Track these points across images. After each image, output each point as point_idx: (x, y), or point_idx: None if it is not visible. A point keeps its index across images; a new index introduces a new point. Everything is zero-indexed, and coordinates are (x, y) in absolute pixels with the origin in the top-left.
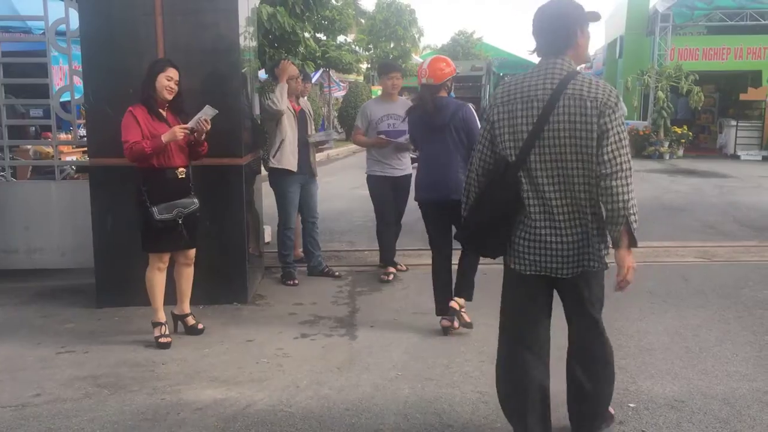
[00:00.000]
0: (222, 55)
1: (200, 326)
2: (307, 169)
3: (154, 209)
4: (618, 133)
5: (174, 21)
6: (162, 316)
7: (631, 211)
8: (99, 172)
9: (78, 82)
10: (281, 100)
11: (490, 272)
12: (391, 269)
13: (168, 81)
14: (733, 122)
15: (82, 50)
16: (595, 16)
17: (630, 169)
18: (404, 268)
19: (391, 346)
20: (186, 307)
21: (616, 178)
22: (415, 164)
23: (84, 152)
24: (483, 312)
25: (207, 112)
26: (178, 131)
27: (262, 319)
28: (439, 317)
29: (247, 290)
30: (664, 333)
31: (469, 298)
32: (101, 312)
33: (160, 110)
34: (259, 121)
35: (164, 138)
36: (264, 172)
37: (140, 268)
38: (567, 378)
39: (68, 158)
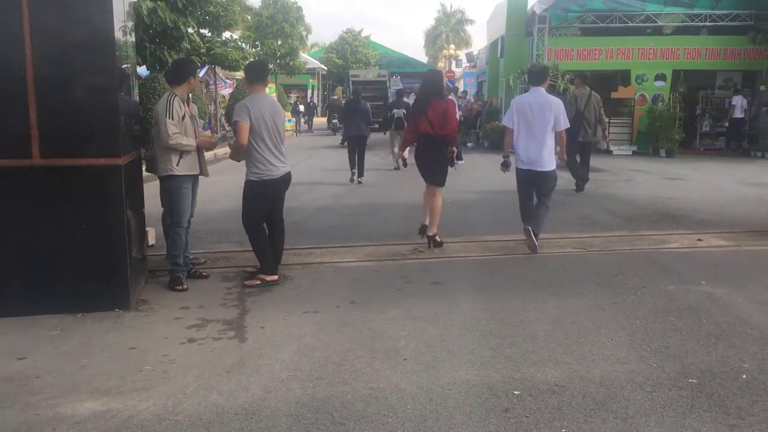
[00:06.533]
0: (97, 50)
1: None
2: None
3: None
4: None
5: (43, 13)
6: None
7: None
8: None
9: None
10: (191, 144)
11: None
12: None
13: None
14: (606, 119)
15: None
16: None
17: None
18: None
19: (282, 347)
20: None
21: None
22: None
23: None
24: (373, 307)
25: None
26: None
27: (146, 326)
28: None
29: (129, 295)
30: (546, 321)
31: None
32: None
33: None
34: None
35: None
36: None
37: (10, 275)
38: None
39: None
